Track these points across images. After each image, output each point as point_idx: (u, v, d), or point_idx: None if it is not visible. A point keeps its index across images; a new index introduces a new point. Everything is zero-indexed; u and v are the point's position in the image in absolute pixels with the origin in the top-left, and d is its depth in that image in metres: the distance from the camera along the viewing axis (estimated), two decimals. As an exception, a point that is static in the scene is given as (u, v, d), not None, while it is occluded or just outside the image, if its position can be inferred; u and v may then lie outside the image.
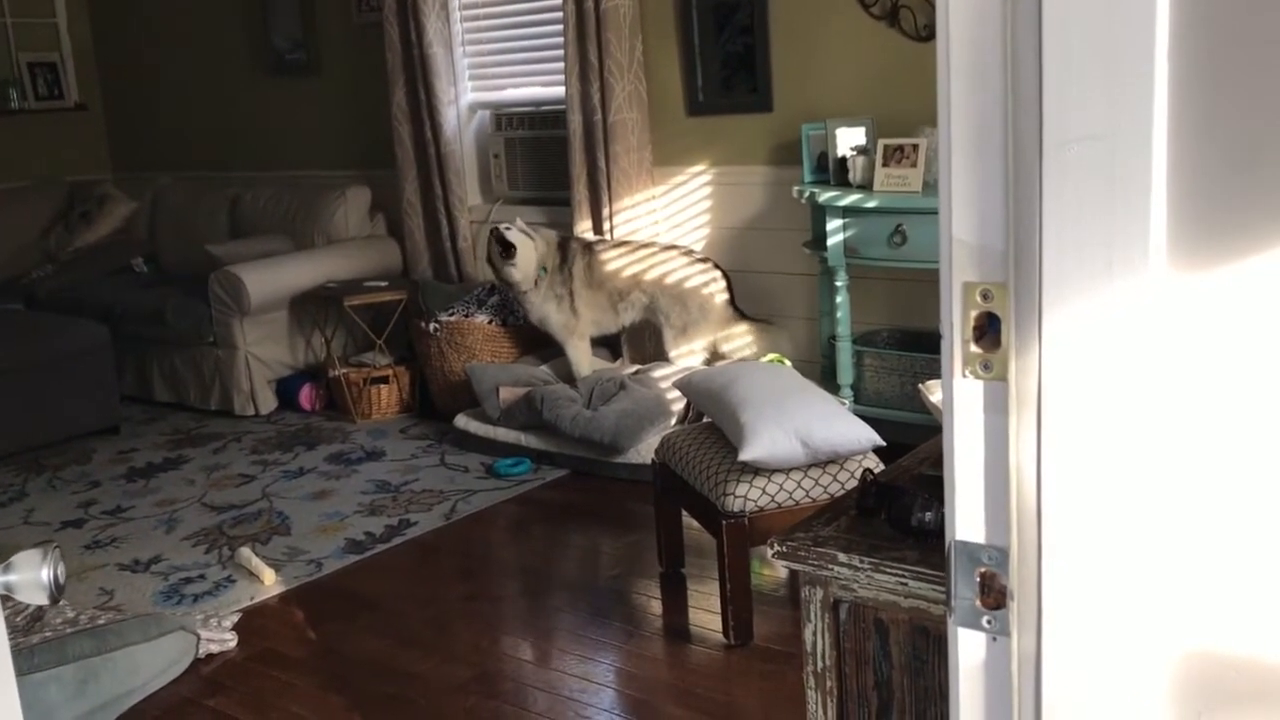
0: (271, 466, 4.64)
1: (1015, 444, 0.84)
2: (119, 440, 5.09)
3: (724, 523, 2.95)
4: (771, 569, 3.44)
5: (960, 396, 0.85)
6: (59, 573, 0.96)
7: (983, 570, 0.86)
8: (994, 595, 0.86)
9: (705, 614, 3.24)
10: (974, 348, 0.83)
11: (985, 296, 0.82)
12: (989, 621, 0.87)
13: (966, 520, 0.86)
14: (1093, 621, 0.82)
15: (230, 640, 3.19)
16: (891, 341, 4.27)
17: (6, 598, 0.99)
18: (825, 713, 1.46)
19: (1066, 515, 0.82)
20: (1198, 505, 0.80)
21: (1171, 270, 0.79)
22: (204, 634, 3.14)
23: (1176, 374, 0.79)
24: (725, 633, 3.06)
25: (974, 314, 0.83)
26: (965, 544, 0.87)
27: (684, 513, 3.40)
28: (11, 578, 0.93)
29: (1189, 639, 0.81)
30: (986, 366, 0.83)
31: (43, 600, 0.94)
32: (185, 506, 4.26)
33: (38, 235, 6.59)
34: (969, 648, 0.87)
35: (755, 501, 2.95)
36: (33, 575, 0.93)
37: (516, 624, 3.34)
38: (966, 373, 0.83)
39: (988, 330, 0.84)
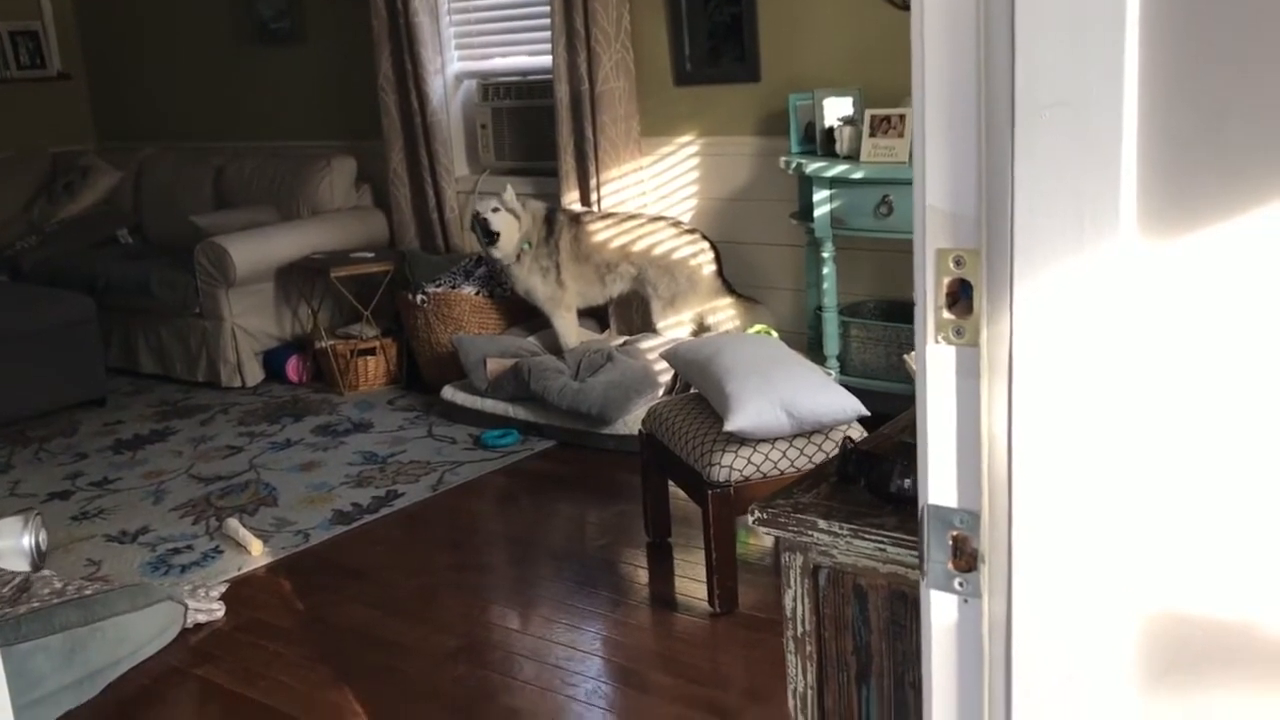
0: (258, 438, 4.64)
1: (987, 409, 0.85)
2: (105, 412, 5.08)
3: (709, 492, 2.97)
4: (756, 538, 3.46)
5: (933, 362, 0.85)
6: (40, 539, 0.97)
7: (955, 534, 0.87)
8: (966, 558, 0.87)
9: (691, 583, 3.26)
10: (946, 314, 0.84)
11: (958, 263, 0.83)
12: (961, 584, 0.88)
13: (939, 484, 0.87)
14: (1061, 583, 0.83)
15: (218, 610, 3.20)
16: (877, 312, 4.28)
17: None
18: (805, 676, 1.48)
19: (1037, 479, 0.83)
20: (1165, 469, 0.81)
21: (1141, 237, 0.80)
22: (192, 604, 3.15)
23: (1146, 340, 0.80)
24: (711, 601, 3.08)
25: (946, 280, 0.83)
26: (938, 508, 0.88)
27: (670, 483, 3.41)
28: (-7, 544, 0.94)
29: (1154, 600, 0.82)
30: (959, 332, 0.84)
31: (24, 566, 0.95)
32: (172, 478, 4.27)
33: (21, 207, 6.54)
34: (941, 610, 0.89)
35: (740, 471, 2.97)
36: (14, 541, 0.93)
37: (504, 593, 3.36)
38: (939, 339, 0.84)
39: (960, 297, 0.84)
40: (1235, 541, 0.80)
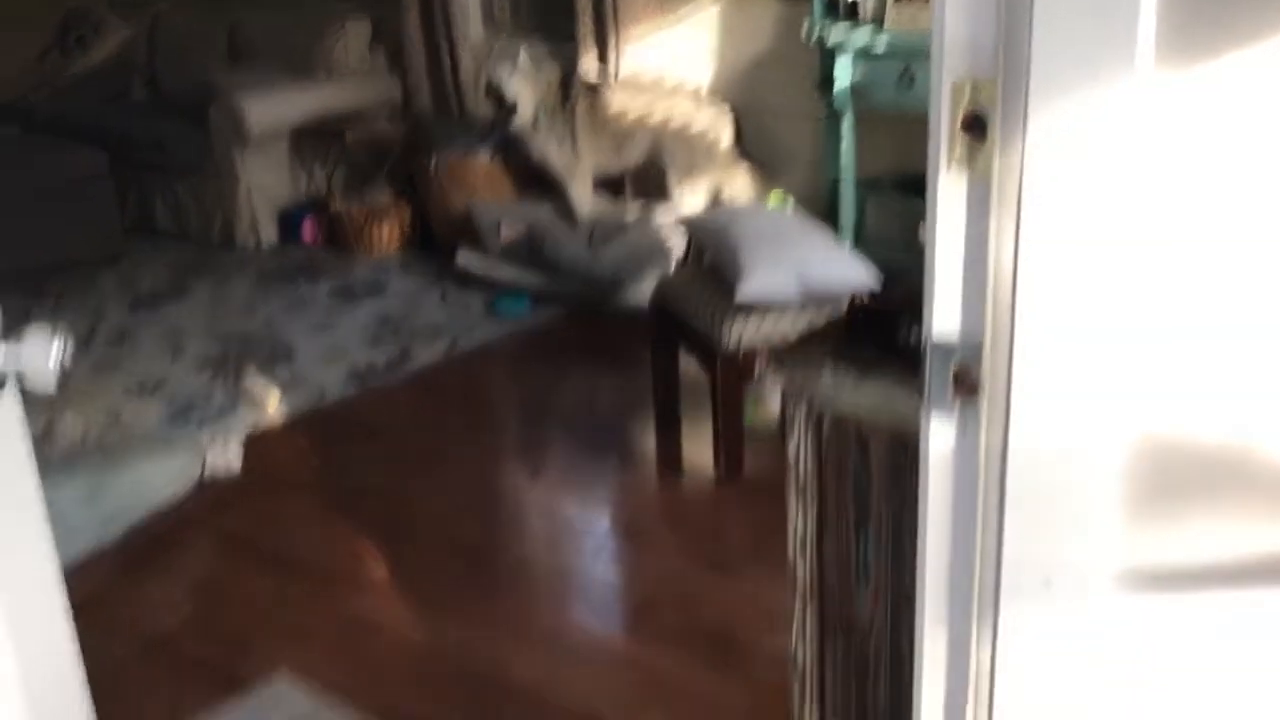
0: (274, 298, 4.67)
1: (995, 241, 0.86)
2: (122, 269, 5.10)
3: (719, 359, 3.00)
4: (763, 411, 3.50)
5: (944, 193, 0.86)
6: (67, 351, 0.99)
7: (957, 364, 0.89)
8: (966, 388, 0.89)
9: (697, 451, 3.31)
10: (960, 144, 0.84)
11: (974, 92, 0.83)
12: (960, 413, 0.90)
13: (944, 315, 0.89)
14: (1057, 410, 0.85)
15: (235, 462, 3.27)
16: (894, 186, 4.25)
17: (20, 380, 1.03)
18: (805, 522, 1.52)
19: (1039, 310, 0.85)
20: (1163, 302, 0.83)
21: (1157, 71, 0.80)
22: (210, 455, 3.22)
23: (1155, 173, 0.81)
24: (716, 466, 3.13)
25: (962, 110, 0.84)
26: (942, 337, 0.90)
27: (680, 354, 3.44)
28: (22, 349, 0.96)
29: (1145, 427, 0.84)
30: (971, 161, 0.84)
31: (52, 375, 0.98)
32: (190, 334, 4.32)
33: (33, 60, 6.47)
34: (940, 438, 0.91)
35: (750, 339, 2.99)
36: (42, 348, 0.96)
37: (515, 454, 3.43)
38: (951, 166, 0.85)
39: (974, 127, 0.85)
40: (1226, 371, 0.82)
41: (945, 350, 0.89)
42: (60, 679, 1.12)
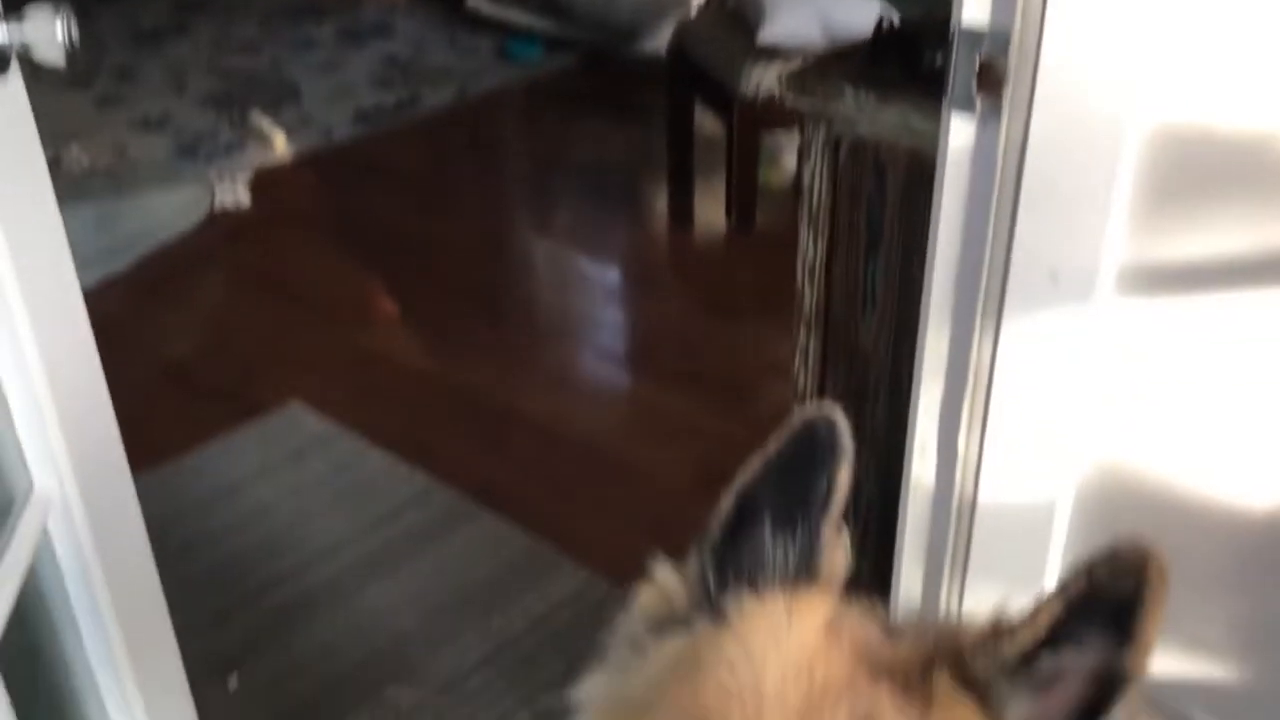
0: (279, 37, 4.54)
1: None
2: (121, 4, 4.93)
3: (736, 105, 2.93)
4: (777, 170, 3.44)
5: None
6: (72, 26, 0.96)
7: (983, 55, 0.87)
8: (991, 83, 0.87)
9: (710, 206, 3.28)
10: None
11: None
12: (982, 109, 0.88)
13: (974, 3, 0.86)
14: (1080, 103, 0.83)
15: (244, 197, 3.26)
16: (928, -64, 4.05)
17: (25, 59, 1.00)
18: (816, 250, 1.52)
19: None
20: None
21: None
22: (218, 190, 3.21)
23: None
24: (728, 219, 3.11)
25: None
26: (970, 28, 0.87)
27: (697, 109, 3.35)
28: (25, 26, 0.94)
29: (1163, 119, 0.82)
30: None
31: (60, 47, 0.95)
32: (194, 71, 4.21)
33: None
34: (960, 131, 0.90)
35: (770, 86, 2.91)
36: (46, 22, 0.93)
37: (525, 200, 3.41)
38: None
39: None
40: (1251, 61, 0.79)
41: (973, 38, 0.86)
42: (88, 398, 1.14)
